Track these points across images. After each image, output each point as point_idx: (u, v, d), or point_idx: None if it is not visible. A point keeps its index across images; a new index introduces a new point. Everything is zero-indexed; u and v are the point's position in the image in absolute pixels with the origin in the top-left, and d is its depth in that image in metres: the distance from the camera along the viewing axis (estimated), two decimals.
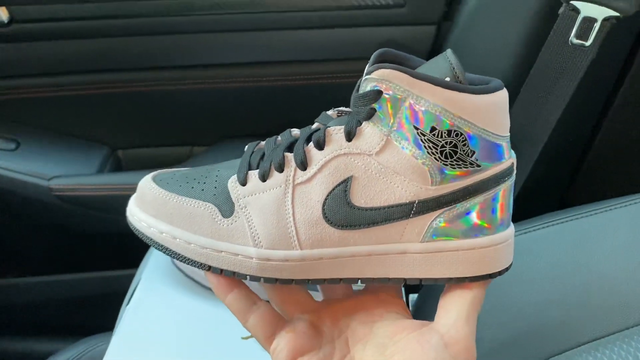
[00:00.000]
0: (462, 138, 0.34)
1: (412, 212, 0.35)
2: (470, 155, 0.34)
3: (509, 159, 0.36)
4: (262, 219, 0.37)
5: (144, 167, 0.91)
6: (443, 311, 0.36)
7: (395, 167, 0.35)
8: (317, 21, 0.80)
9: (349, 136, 0.35)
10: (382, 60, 0.36)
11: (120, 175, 0.89)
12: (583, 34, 0.60)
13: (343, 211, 0.36)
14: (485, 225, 0.36)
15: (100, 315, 0.78)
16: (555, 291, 0.55)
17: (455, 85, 0.34)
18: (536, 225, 0.61)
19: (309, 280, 0.38)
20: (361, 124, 0.35)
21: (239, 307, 0.39)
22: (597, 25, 0.60)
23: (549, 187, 0.91)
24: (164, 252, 0.39)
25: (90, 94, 0.87)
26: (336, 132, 0.36)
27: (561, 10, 0.61)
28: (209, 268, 0.38)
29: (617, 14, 0.59)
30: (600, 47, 0.61)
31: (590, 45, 0.60)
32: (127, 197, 0.88)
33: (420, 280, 0.37)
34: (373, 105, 0.34)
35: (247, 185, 0.37)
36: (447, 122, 0.34)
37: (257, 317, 0.38)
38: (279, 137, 0.39)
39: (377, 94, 0.34)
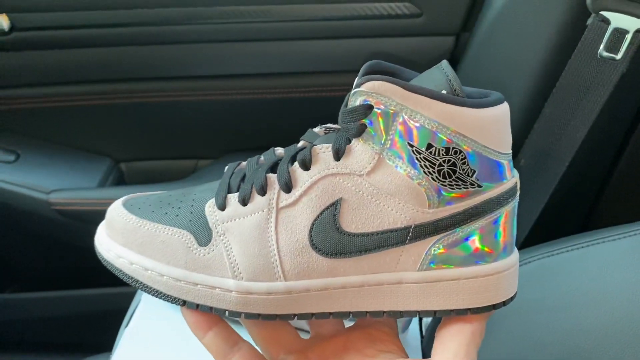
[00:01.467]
0: (461, 156, 0.32)
1: (408, 237, 0.33)
2: (470, 174, 0.32)
3: (512, 178, 0.34)
4: (242, 247, 0.34)
5: (147, 181, 0.92)
6: (440, 347, 0.33)
7: (389, 189, 0.32)
8: (329, 31, 0.80)
9: (338, 155, 0.33)
10: (372, 72, 0.34)
11: (122, 189, 0.89)
12: (613, 46, 0.60)
13: (332, 237, 0.33)
14: (487, 251, 0.34)
15: (99, 332, 0.77)
16: (579, 320, 0.54)
17: (453, 99, 0.31)
18: (559, 249, 0.60)
19: (294, 315, 0.35)
20: (350, 141, 0.33)
21: (217, 348, 0.36)
22: (628, 37, 0.59)
23: (572, 208, 0.90)
24: (135, 286, 0.36)
25: (93, 104, 0.87)
26: (323, 151, 0.33)
27: (590, 21, 0.60)
28: (184, 303, 0.35)
29: None
30: (631, 61, 0.60)
31: (620, 58, 0.60)
32: None
33: (418, 312, 0.34)
34: (363, 120, 0.32)
35: (226, 209, 0.35)
36: (445, 138, 0.31)
37: (238, 359, 0.36)
38: (262, 157, 0.36)
39: (367, 109, 0.32)
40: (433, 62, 0.36)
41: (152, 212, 0.37)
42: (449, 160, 0.32)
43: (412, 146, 0.32)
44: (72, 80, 0.85)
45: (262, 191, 0.34)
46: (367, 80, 0.32)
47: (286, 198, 0.34)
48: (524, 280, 0.57)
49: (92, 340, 0.79)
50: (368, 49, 0.82)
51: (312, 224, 0.33)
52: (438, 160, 0.32)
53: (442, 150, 0.31)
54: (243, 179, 0.36)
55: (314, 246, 0.33)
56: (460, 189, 0.32)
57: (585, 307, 0.54)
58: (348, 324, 0.39)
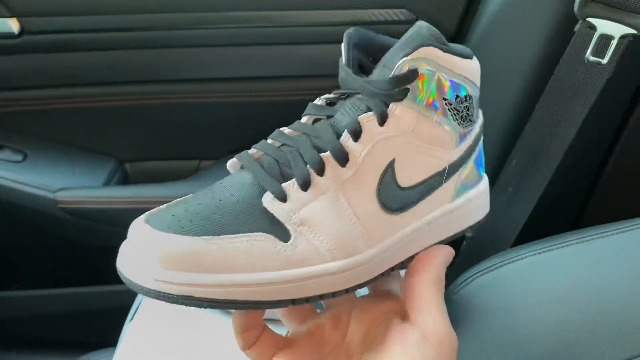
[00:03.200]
0: (472, 100, 0.39)
1: (445, 177, 0.39)
2: (473, 114, 0.39)
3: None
4: (327, 230, 0.34)
5: (151, 181, 0.92)
6: (412, 305, 0.36)
7: (430, 140, 0.37)
8: (328, 36, 0.81)
9: (382, 120, 0.35)
10: (356, 42, 0.38)
11: (127, 188, 0.89)
12: (599, 51, 0.61)
13: (396, 195, 0.36)
14: (481, 172, 0.43)
15: (103, 329, 0.77)
16: (570, 313, 0.55)
17: (467, 54, 0.38)
18: (551, 245, 0.61)
19: (376, 277, 0.37)
20: (388, 105, 0.36)
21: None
22: (614, 43, 0.60)
23: (564, 206, 0.91)
24: (235, 308, 0.33)
25: (99, 106, 0.87)
26: (367, 120, 0.35)
27: (577, 27, 0.61)
28: (293, 302, 0.33)
29: (634, 31, 0.59)
30: (617, 66, 0.61)
31: (606, 63, 0.61)
32: (134, 211, 0.87)
33: (462, 231, 0.41)
34: (407, 85, 0.35)
35: (289, 199, 0.34)
36: (467, 88, 0.38)
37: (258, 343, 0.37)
38: (273, 140, 0.37)
39: (414, 74, 0.35)
40: None
41: (203, 226, 0.33)
42: (466, 106, 0.38)
43: (445, 99, 0.37)
44: (78, 83, 0.86)
45: (321, 172, 0.34)
46: (417, 48, 0.35)
47: (345, 172, 0.35)
48: (514, 277, 0.59)
49: (96, 336, 0.79)
50: None
51: (378, 189, 0.36)
52: (461, 107, 0.38)
53: (463, 98, 0.38)
54: (279, 165, 0.35)
55: (384, 207, 0.36)
56: (466, 127, 0.39)
57: (575, 302, 0.55)
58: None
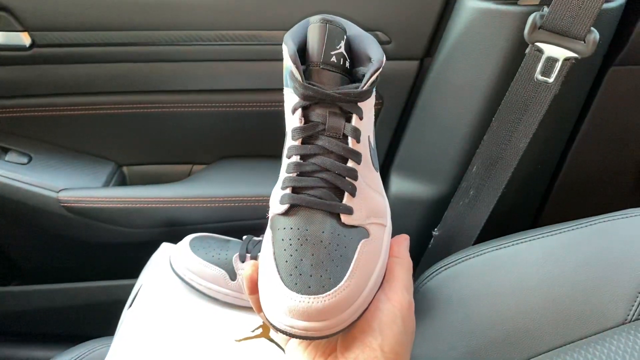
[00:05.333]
0: None
1: None
2: None
3: None
4: (370, 205, 0.44)
5: (146, 182, 0.92)
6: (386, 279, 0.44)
7: None
8: None
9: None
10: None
11: (125, 189, 0.90)
12: (547, 71, 0.65)
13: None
14: None
15: (102, 324, 0.80)
16: (522, 303, 0.58)
17: None
18: (507, 243, 0.64)
19: None
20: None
21: None
22: (558, 64, 0.64)
23: (522, 208, 0.93)
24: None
25: (100, 114, 0.88)
26: None
27: (528, 50, 0.66)
28: None
29: (575, 55, 0.64)
30: (562, 84, 0.65)
31: (553, 82, 0.65)
32: (131, 210, 0.88)
33: None
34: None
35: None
36: None
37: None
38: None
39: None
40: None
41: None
42: None
43: None
44: (82, 92, 0.86)
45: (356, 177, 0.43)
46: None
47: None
48: (474, 270, 0.62)
49: (95, 331, 0.80)
50: None
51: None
52: None
53: None
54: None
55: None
56: None
57: (528, 293, 0.58)
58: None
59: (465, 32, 0.71)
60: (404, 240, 0.47)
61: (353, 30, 0.44)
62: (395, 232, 0.48)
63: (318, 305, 0.36)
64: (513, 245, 0.64)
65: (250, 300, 0.43)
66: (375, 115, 0.55)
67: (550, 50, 0.64)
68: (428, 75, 0.78)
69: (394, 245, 0.45)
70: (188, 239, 0.70)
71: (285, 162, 0.41)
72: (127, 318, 0.68)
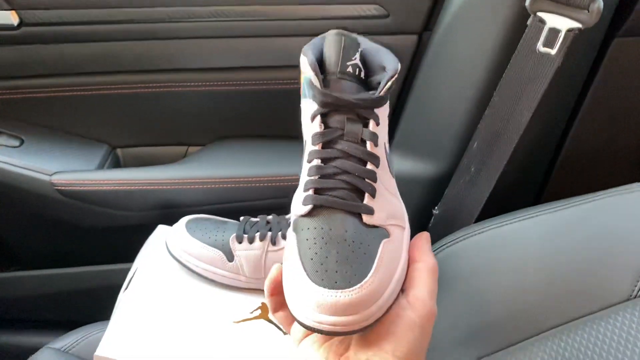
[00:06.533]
0: None
1: None
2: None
3: None
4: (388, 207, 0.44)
5: (141, 165, 0.92)
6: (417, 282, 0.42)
7: None
8: (307, 29, 0.81)
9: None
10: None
11: (119, 171, 0.91)
12: (549, 43, 0.64)
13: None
14: None
15: (98, 308, 0.79)
16: (525, 280, 0.58)
17: None
18: (509, 220, 0.64)
19: None
20: None
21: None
22: (561, 35, 0.63)
23: (523, 187, 0.93)
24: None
25: (92, 94, 0.88)
26: None
27: (529, 21, 0.65)
28: None
29: (579, 25, 0.63)
30: (565, 56, 0.64)
31: (555, 53, 0.64)
32: (125, 192, 0.88)
33: None
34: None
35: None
36: None
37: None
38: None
39: None
40: (399, 57, 0.45)
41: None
42: None
43: None
44: (73, 72, 0.85)
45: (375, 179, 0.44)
46: None
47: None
48: (476, 248, 0.62)
49: (90, 316, 0.79)
50: None
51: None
52: None
53: None
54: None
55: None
56: None
57: (530, 270, 0.58)
58: None
59: (465, 4, 0.70)
60: (426, 242, 0.45)
61: (367, 44, 0.46)
62: None
63: (346, 299, 0.37)
64: (516, 222, 0.64)
65: (269, 302, 0.44)
66: None
67: (552, 20, 0.63)
68: (427, 49, 0.78)
69: (415, 250, 0.44)
70: (184, 220, 0.69)
71: (305, 166, 0.43)
72: (123, 301, 0.68)
